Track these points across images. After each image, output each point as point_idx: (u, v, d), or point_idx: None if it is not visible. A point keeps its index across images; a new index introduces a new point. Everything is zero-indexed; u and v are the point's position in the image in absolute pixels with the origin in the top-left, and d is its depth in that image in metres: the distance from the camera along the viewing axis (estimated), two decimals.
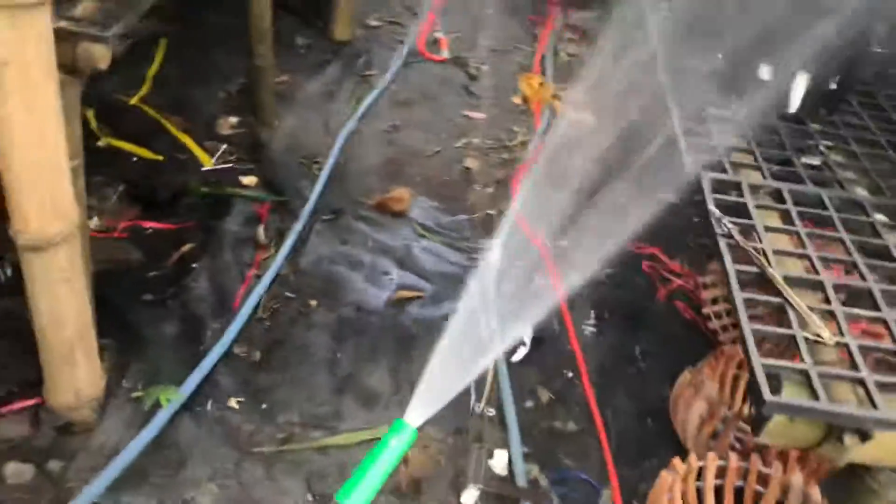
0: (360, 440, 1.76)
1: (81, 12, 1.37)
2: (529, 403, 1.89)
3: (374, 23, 3.65)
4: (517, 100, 3.11)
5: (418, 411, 0.77)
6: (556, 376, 1.97)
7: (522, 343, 2.01)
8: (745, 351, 0.86)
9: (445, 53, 3.40)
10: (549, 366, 2.00)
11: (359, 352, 1.98)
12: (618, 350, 2.04)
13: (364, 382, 1.90)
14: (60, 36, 1.33)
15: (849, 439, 0.86)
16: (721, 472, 1.51)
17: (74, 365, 1.55)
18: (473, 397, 1.89)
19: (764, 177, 1.38)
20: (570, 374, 1.97)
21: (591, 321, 2.13)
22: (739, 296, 0.94)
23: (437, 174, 2.67)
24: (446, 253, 2.32)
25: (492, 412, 1.86)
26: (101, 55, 1.38)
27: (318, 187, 2.48)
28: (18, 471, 1.57)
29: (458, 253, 2.33)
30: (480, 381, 1.92)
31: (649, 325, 2.14)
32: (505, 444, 1.77)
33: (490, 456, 1.76)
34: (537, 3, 3.86)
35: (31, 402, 1.65)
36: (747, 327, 0.87)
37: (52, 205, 1.35)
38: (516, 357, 2.00)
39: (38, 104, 1.23)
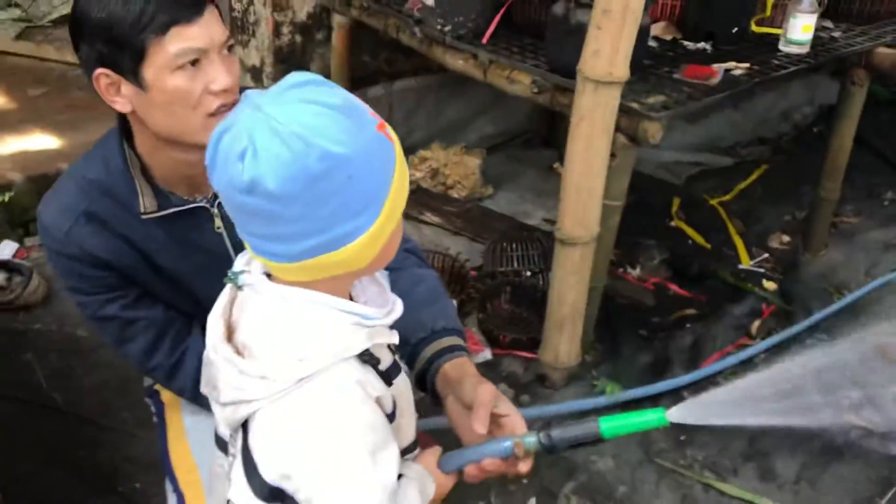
0: (740, 496, 2.01)
1: (651, 101, 2.01)
2: None
3: None
4: None
5: (684, 413, 1.09)
6: None
7: None
8: None
9: None
10: None
11: (783, 441, 2.19)
12: None
13: (772, 462, 2.13)
14: (631, 113, 2.00)
15: None
16: None
17: (562, 335, 2.19)
18: None
19: None
20: None
21: None
22: None
23: None
24: None
25: None
26: (653, 132, 1.98)
27: (828, 311, 2.70)
28: (504, 390, 2.28)
29: None
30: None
31: None
32: None
33: None
34: None
35: (529, 355, 2.36)
36: None
37: (581, 217, 2.02)
38: None
39: (592, 149, 1.91)
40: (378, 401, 0.94)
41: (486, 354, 2.35)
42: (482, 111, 3.60)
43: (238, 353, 0.93)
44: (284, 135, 0.81)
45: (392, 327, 1.04)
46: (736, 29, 2.46)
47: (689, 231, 3.17)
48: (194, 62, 1.19)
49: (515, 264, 2.61)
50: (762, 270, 2.98)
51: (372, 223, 0.86)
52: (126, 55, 1.17)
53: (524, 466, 1.10)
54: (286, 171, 0.81)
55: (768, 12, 2.54)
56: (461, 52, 2.42)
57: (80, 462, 1.93)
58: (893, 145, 3.92)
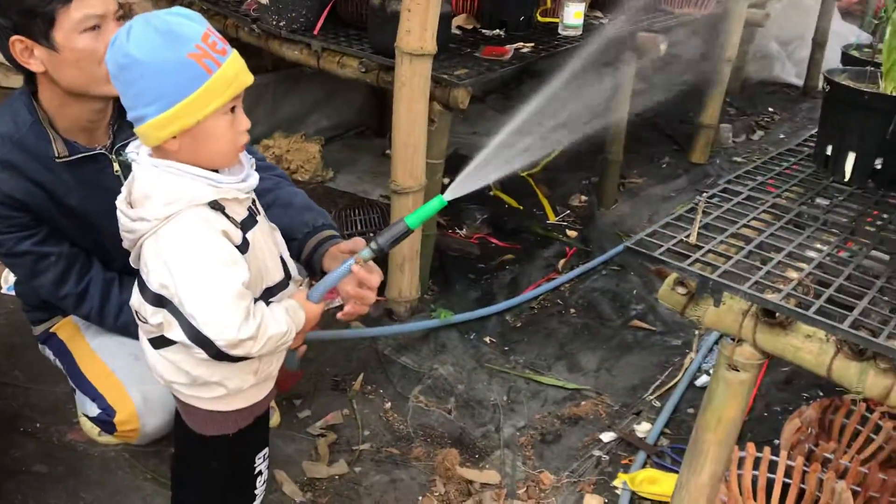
0: (554, 384, 2.50)
1: (458, 73, 2.48)
2: (690, 410, 2.44)
3: (738, 159, 4.35)
4: None
5: (454, 192, 1.53)
6: None
7: (708, 373, 2.55)
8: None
9: None
10: None
11: (586, 344, 2.72)
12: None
13: (578, 359, 2.64)
14: (443, 83, 2.46)
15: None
16: (788, 470, 1.96)
17: (402, 274, 2.61)
18: (651, 390, 2.50)
19: None
20: None
21: None
22: None
23: None
24: None
25: (658, 404, 2.45)
26: (462, 98, 2.45)
27: (618, 249, 3.29)
28: (356, 324, 2.66)
29: None
30: (663, 383, 2.53)
31: None
32: (653, 422, 2.36)
33: (638, 423, 2.36)
34: None
35: (378, 298, 2.76)
36: None
37: (409, 170, 2.45)
38: (700, 382, 2.54)
39: (413, 111, 2.35)
40: (225, 234, 1.34)
41: (339, 300, 2.72)
42: (316, 107, 3.98)
43: (131, 206, 1.36)
44: (121, 35, 1.25)
45: (282, 227, 1.46)
46: (523, 18, 3.00)
47: (505, 198, 3.69)
48: (95, 27, 1.52)
49: (359, 227, 3.01)
50: (565, 223, 3.54)
51: (158, 114, 1.26)
52: (38, 22, 1.48)
53: (373, 278, 1.53)
54: (112, 59, 1.27)
55: (549, 4, 3.11)
56: (296, 44, 2.80)
57: None
58: (668, 120, 4.66)
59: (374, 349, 2.57)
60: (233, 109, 1.34)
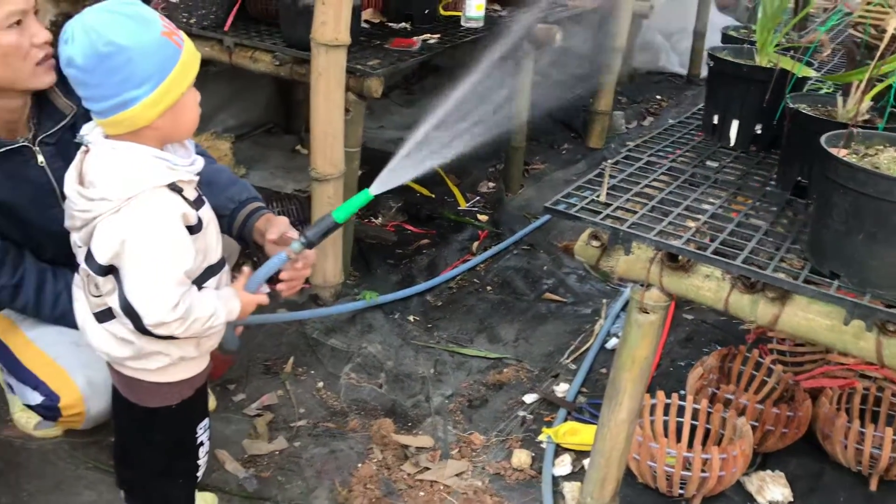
0: (477, 355, 2.64)
1: (371, 64, 2.59)
2: (603, 370, 2.62)
3: (631, 143, 4.61)
4: None
5: (380, 185, 1.64)
6: None
7: (617, 336, 2.75)
8: None
9: None
10: None
11: (504, 318, 2.87)
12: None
13: (497, 332, 2.79)
14: (356, 73, 2.56)
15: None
16: (695, 414, 2.16)
17: (326, 260, 2.70)
18: (566, 355, 2.68)
19: None
20: None
21: None
22: None
23: None
24: (598, 284, 3.14)
25: (574, 366, 2.63)
26: (375, 87, 2.56)
27: (527, 229, 3.47)
28: (282, 309, 2.73)
29: (605, 285, 3.13)
30: (576, 348, 2.71)
31: None
32: (570, 382, 2.53)
33: (557, 384, 2.53)
34: None
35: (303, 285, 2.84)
36: None
37: (329, 158, 2.54)
38: (610, 344, 2.73)
39: (330, 100, 2.44)
40: (183, 216, 1.42)
41: (265, 288, 2.78)
42: (223, 106, 3.99)
43: (84, 187, 1.41)
44: (87, 28, 1.30)
45: (210, 203, 1.54)
46: (427, 11, 3.13)
47: (417, 187, 3.81)
48: (18, 22, 1.56)
49: None
50: (476, 209, 3.70)
51: (149, 94, 1.35)
52: None
53: (304, 268, 1.61)
54: (85, 51, 1.30)
55: None
56: (207, 41, 2.84)
57: None
58: (565, 109, 4.89)
59: (301, 333, 2.64)
60: None
